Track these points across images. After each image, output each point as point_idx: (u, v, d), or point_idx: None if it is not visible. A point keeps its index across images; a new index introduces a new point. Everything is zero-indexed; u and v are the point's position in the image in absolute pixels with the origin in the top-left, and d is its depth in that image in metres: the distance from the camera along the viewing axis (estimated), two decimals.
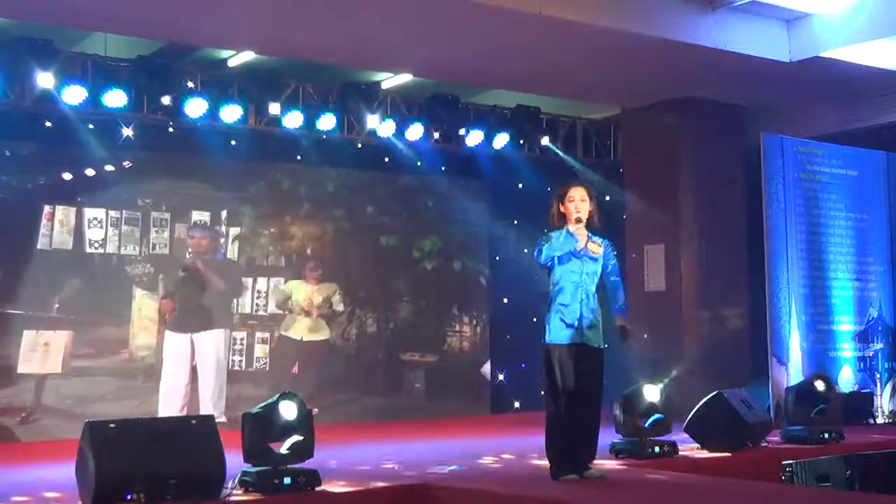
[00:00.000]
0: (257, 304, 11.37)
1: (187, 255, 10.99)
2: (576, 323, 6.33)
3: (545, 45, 9.74)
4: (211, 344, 10.93)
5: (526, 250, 11.35)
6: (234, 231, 11.29)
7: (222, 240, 11.23)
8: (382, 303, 11.99)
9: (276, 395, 6.27)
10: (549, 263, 6.39)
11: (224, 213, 11.25)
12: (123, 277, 10.57)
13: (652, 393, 7.64)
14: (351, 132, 11.21)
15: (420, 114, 11.36)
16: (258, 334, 11.30)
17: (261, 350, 11.29)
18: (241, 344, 11.18)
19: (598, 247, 6.48)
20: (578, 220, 6.39)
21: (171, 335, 10.73)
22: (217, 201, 11.20)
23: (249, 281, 11.34)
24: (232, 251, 11.29)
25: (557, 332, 6.34)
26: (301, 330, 11.53)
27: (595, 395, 6.40)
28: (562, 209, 6.45)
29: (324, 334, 11.64)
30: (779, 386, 9.57)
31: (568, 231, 6.37)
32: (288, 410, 6.15)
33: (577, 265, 6.39)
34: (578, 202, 6.42)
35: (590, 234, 6.47)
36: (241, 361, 11.16)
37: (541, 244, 6.41)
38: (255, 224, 11.38)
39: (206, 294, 10.98)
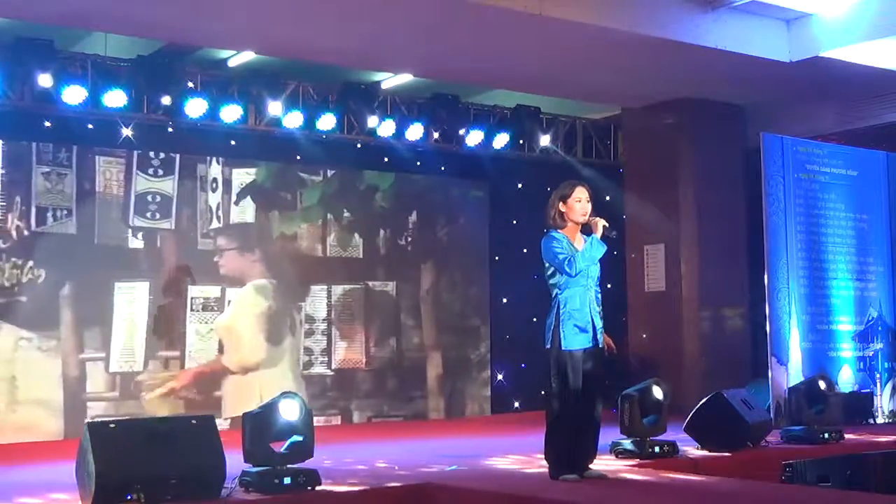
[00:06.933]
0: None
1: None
2: (588, 327, 6.32)
3: (545, 45, 9.73)
4: None
5: (526, 250, 11.37)
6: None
7: None
8: (381, 302, 11.96)
9: (278, 395, 6.26)
10: (577, 272, 6.27)
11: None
12: None
13: (654, 392, 7.63)
14: (351, 132, 11.21)
15: (420, 114, 11.36)
16: None
17: None
18: None
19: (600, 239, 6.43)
20: (584, 223, 6.36)
21: None
22: None
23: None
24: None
25: (573, 340, 6.27)
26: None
27: (598, 394, 6.40)
28: (562, 208, 6.40)
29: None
30: (779, 386, 9.55)
31: (566, 236, 6.35)
32: (288, 410, 6.14)
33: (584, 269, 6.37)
34: (584, 203, 6.38)
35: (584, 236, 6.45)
36: None
37: (560, 253, 6.26)
38: None
39: None
